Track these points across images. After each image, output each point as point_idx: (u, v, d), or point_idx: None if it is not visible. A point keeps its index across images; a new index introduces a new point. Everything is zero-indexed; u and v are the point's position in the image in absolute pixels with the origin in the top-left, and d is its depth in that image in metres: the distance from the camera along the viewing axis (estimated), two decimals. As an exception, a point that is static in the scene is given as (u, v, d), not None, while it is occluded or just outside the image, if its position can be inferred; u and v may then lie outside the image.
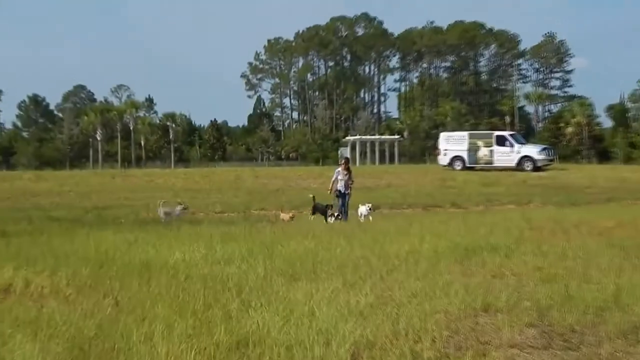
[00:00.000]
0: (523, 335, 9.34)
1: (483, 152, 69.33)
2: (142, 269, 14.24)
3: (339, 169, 31.07)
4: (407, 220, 25.54)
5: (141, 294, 11.62)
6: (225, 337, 8.74)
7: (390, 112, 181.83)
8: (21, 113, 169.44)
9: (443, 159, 71.13)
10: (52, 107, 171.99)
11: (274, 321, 9.44)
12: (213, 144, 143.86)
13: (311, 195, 31.13)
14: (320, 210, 29.94)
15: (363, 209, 29.34)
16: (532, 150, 69.61)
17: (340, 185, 30.36)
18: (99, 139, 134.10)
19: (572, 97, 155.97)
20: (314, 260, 15.27)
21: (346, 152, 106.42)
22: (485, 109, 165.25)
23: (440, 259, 15.36)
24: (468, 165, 68.54)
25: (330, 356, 8.13)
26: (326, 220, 28.19)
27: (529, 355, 8.64)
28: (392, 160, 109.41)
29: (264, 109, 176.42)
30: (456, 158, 69.78)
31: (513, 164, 67.10)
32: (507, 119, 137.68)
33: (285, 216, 29.59)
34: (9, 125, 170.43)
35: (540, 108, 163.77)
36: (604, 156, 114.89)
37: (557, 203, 37.76)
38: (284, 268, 14.32)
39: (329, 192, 31.03)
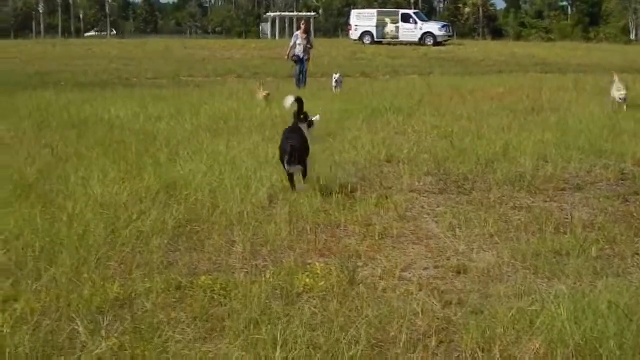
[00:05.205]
0: (421, 182, 9.48)
1: (390, 27, 69.07)
2: (79, 124, 14.04)
3: (298, 32, 27.76)
4: (321, 86, 25.48)
5: (78, 145, 11.46)
6: (155, 181, 8.69)
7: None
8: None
9: (354, 34, 70.52)
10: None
11: (199, 168, 9.40)
12: (145, 17, 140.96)
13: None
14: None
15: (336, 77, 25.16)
16: (433, 27, 69.65)
17: (298, 50, 26.93)
18: (41, 11, 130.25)
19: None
20: (237, 118, 15.22)
21: (267, 27, 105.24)
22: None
23: (350, 118, 15.41)
24: (376, 40, 68.12)
25: (250, 197, 8.15)
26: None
27: (426, 198, 8.78)
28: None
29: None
30: (365, 33, 69.27)
31: (416, 39, 66.97)
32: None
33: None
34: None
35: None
36: (497, 34, 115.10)
37: (455, 74, 37.89)
38: (209, 124, 14.25)
39: (286, 57, 27.92)
